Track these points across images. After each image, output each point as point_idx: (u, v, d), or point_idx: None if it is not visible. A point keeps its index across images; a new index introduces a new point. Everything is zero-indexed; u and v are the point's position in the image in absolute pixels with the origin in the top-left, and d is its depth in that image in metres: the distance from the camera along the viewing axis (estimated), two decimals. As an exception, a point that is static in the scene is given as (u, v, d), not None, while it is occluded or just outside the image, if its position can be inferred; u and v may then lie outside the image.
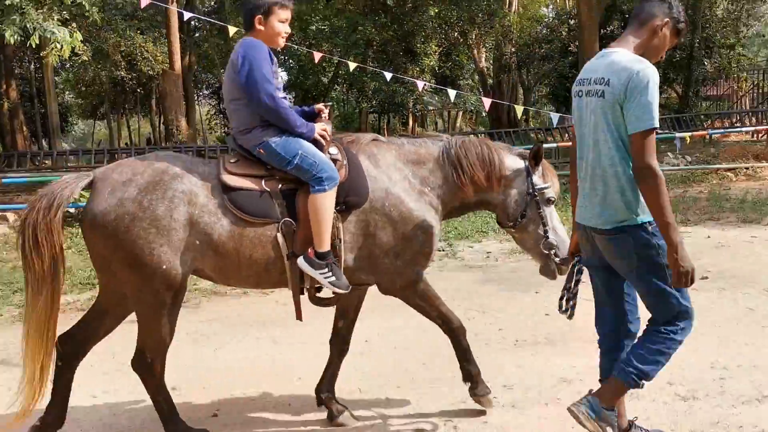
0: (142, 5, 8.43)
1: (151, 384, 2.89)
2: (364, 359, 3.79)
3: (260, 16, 2.88)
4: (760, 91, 23.70)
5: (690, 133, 11.39)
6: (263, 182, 2.87)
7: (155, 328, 2.82)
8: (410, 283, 3.02)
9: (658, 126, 2.34)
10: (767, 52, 41.97)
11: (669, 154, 11.71)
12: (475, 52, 22.88)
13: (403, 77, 15.30)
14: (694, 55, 18.58)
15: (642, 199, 2.36)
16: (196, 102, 27.37)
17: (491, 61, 23.81)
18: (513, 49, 21.98)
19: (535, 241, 3.13)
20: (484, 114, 25.60)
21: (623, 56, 2.41)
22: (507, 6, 22.71)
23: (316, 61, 10.10)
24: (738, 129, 16.57)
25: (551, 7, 27.67)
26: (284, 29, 2.94)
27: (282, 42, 3.00)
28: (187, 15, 12.91)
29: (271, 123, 2.85)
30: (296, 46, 16.59)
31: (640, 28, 2.49)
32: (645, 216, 2.39)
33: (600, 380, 2.64)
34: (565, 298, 2.74)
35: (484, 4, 17.89)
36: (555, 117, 10.74)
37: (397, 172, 3.04)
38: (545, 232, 3.10)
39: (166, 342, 2.84)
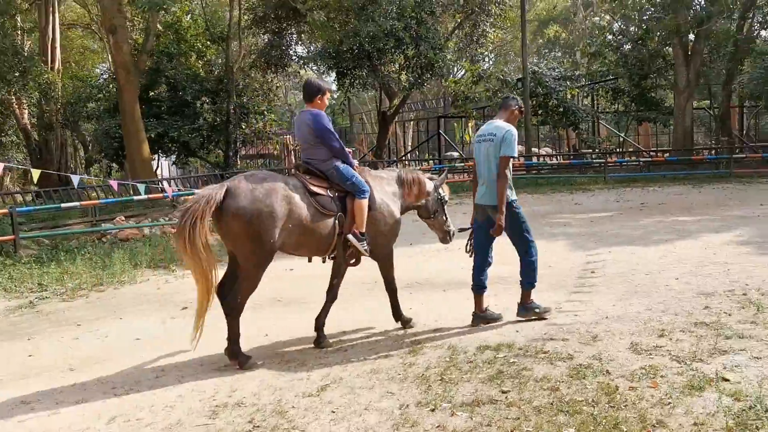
0: None
1: (235, 317, 5.07)
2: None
3: (320, 95, 5.42)
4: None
5: None
6: (328, 191, 5.33)
7: (254, 280, 5.06)
8: (388, 254, 5.84)
9: (515, 156, 5.82)
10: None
11: None
12: (17, 109, 22.75)
13: None
14: (230, 120, 22.09)
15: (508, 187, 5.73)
16: None
17: (36, 119, 23.87)
18: (58, 107, 22.60)
19: (440, 225, 6.27)
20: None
21: (500, 123, 5.80)
22: (50, 63, 23.29)
23: None
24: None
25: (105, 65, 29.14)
26: (325, 102, 5.50)
27: (324, 107, 5.53)
28: None
29: (338, 156, 5.39)
30: None
31: (506, 111, 5.92)
32: (512, 197, 5.75)
33: (472, 287, 6.01)
34: (468, 248, 6.09)
35: (15, 61, 18.33)
36: (114, 184, 12.13)
37: (385, 189, 5.80)
38: (446, 220, 6.28)
39: (253, 290, 5.11)
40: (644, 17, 23.50)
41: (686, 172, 20.12)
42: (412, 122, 39.19)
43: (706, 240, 9.48)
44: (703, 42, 22.81)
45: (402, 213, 6.02)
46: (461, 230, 6.31)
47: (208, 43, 24.45)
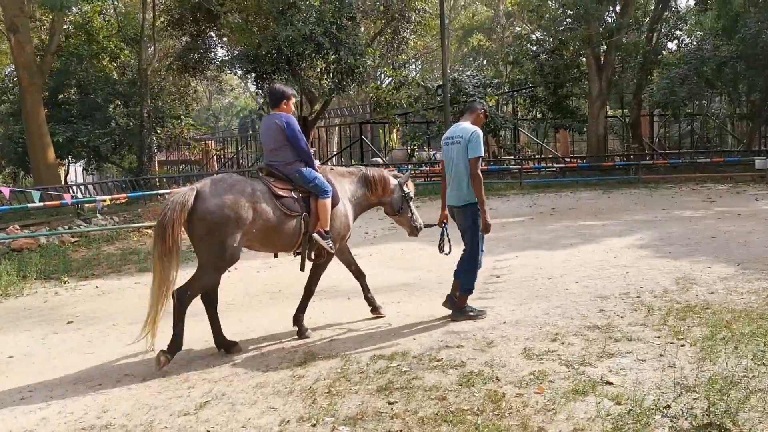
0: None
1: (180, 311, 5.06)
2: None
3: (285, 100, 5.64)
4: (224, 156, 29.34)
5: (110, 197, 12.94)
6: (293, 192, 5.52)
7: (209, 279, 5.21)
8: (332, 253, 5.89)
9: (483, 155, 5.94)
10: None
11: (99, 215, 13.31)
12: None
13: None
14: (144, 124, 21.32)
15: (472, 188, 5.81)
16: None
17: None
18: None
19: (407, 220, 6.50)
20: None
21: (466, 125, 5.97)
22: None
23: None
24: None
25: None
26: (292, 107, 5.74)
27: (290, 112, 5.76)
28: None
29: (302, 160, 5.57)
30: None
31: (471, 114, 6.13)
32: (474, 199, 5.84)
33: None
34: (441, 246, 6.30)
35: None
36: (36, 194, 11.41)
37: (345, 187, 6.07)
38: (412, 215, 6.48)
39: (207, 288, 5.30)
40: (560, 28, 24.18)
41: (598, 177, 20.80)
42: (337, 128, 39.02)
43: (609, 244, 9.72)
44: (613, 53, 23.70)
45: (365, 210, 6.46)
46: (427, 226, 6.66)
47: (122, 44, 23.55)
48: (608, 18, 23.90)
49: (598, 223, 12.17)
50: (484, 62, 49.75)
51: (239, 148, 36.26)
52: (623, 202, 15.86)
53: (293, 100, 5.75)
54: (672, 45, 26.69)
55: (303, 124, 24.14)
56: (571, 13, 23.71)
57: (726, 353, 4.76)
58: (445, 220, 6.43)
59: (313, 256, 5.87)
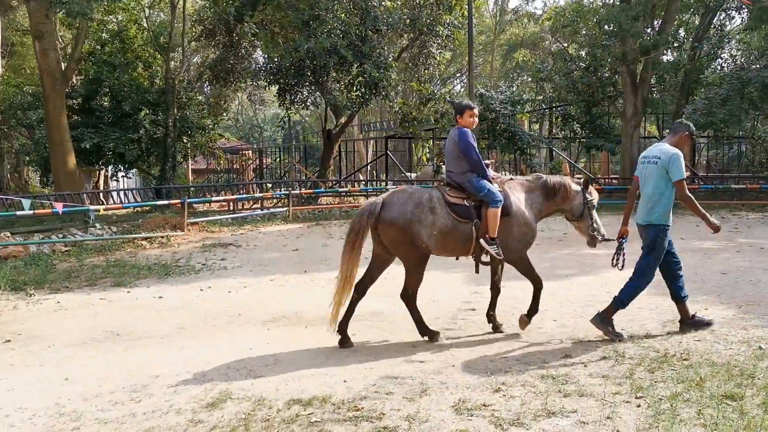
0: None
1: (412, 304, 6.12)
2: None
3: (460, 113, 6.15)
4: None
5: (102, 207, 12.84)
6: (465, 201, 6.00)
7: (416, 276, 6.01)
8: (522, 257, 6.29)
9: (685, 178, 5.90)
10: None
11: (96, 225, 13.23)
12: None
13: None
14: (169, 132, 21.36)
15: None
16: None
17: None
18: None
19: (587, 228, 6.52)
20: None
21: (665, 146, 5.97)
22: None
23: None
24: (207, 200, 19.80)
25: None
26: (472, 120, 6.15)
27: (472, 126, 6.19)
28: None
29: (474, 170, 6.01)
30: None
31: (674, 135, 6.09)
32: (668, 222, 6.02)
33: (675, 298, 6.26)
34: (616, 261, 6.28)
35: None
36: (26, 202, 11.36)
37: (522, 197, 6.29)
38: (592, 224, 6.47)
39: (419, 283, 6.06)
40: (594, 44, 23.29)
41: (624, 201, 19.80)
42: (372, 141, 38.72)
43: (607, 276, 9.01)
44: (650, 71, 22.69)
45: (543, 217, 6.59)
46: (604, 240, 6.61)
47: (156, 53, 23.74)
48: (646, 35, 22.89)
49: (604, 252, 11.33)
50: (528, 79, 48.91)
51: (279, 158, 36.10)
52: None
53: (471, 112, 6.15)
54: (716, 64, 25.46)
55: (327, 136, 23.93)
56: (608, 28, 22.79)
57: (684, 420, 4.12)
58: (624, 235, 6.32)
59: (485, 260, 6.26)
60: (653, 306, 7.29)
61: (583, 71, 24.00)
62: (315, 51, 19.33)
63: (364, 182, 26.73)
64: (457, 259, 6.46)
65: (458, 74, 47.59)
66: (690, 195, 5.90)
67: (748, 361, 5.26)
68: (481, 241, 5.98)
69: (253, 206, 21.78)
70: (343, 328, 6.03)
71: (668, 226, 6.04)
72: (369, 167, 32.99)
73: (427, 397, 4.67)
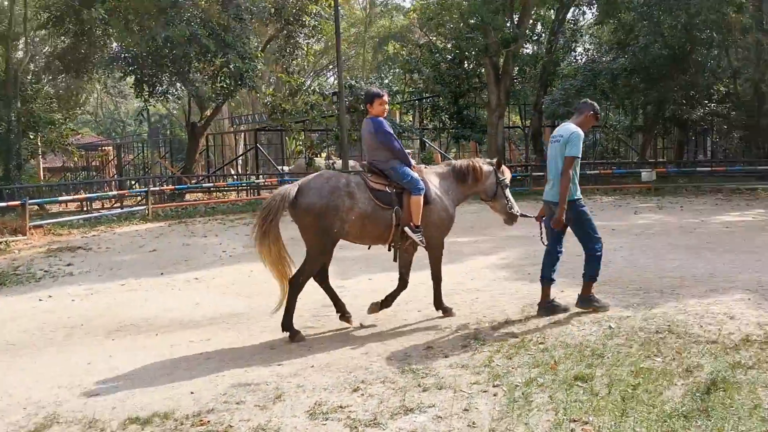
0: None
1: (293, 293, 5.86)
2: None
3: (370, 102, 6.13)
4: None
5: None
6: (387, 187, 5.94)
7: (316, 264, 5.92)
8: (439, 245, 6.35)
9: (579, 156, 6.04)
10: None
11: None
12: None
13: None
14: (12, 129, 19.52)
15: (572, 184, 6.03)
16: None
17: None
18: None
19: (502, 207, 6.63)
20: None
21: (569, 125, 6.16)
22: None
23: None
24: (52, 200, 18.26)
25: None
26: (383, 108, 6.10)
27: (384, 113, 6.15)
28: None
29: (397, 158, 6.00)
30: None
31: (579, 115, 6.24)
32: (576, 195, 6.08)
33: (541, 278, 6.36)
34: (542, 238, 6.48)
35: None
36: None
37: (439, 184, 6.27)
38: (508, 203, 6.58)
39: (314, 272, 5.98)
40: (458, 37, 23.85)
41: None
42: (244, 134, 37.61)
43: (472, 264, 9.14)
44: (511, 63, 23.58)
45: (461, 201, 6.65)
46: (523, 216, 6.77)
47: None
48: (507, 28, 23.74)
49: (470, 239, 11.60)
50: (399, 71, 49.52)
51: (142, 154, 34.10)
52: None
53: (380, 100, 6.08)
54: (571, 57, 26.92)
55: (191, 129, 22.90)
56: (471, 21, 23.40)
57: (538, 406, 4.11)
58: (544, 214, 6.48)
59: (403, 248, 6.29)
60: (513, 291, 7.41)
61: (449, 63, 24.54)
62: (173, 40, 18.35)
63: (234, 177, 25.85)
64: (369, 248, 6.47)
65: (332, 66, 47.37)
66: (569, 175, 6.01)
67: (599, 341, 5.41)
68: (406, 228, 6.00)
69: (114, 205, 20.42)
70: (342, 309, 6.31)
71: (580, 198, 6.20)
72: (242, 161, 32.02)
73: (281, 403, 4.38)
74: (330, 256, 6.11)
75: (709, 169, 22.56)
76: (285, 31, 22.08)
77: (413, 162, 6.24)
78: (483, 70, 24.38)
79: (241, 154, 29.10)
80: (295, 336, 5.85)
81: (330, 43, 41.65)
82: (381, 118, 6.12)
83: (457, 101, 25.18)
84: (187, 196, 21.82)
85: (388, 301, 6.45)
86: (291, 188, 5.82)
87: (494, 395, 4.37)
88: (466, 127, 24.94)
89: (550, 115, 23.71)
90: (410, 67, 25.58)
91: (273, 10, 20.94)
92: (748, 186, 20.05)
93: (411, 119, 29.42)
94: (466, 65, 24.47)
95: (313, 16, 22.04)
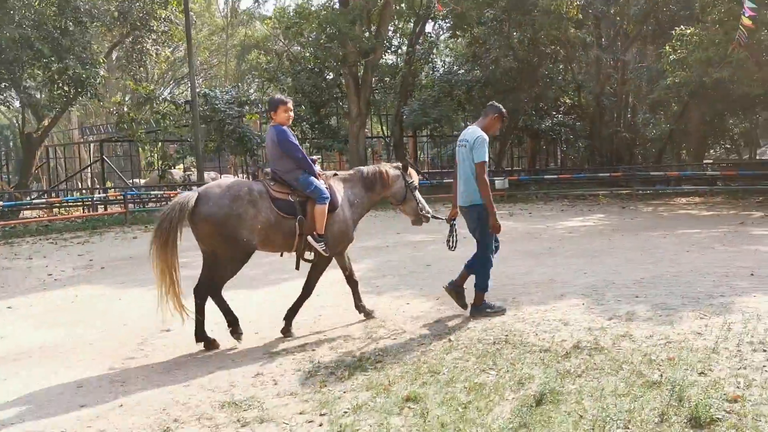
0: None
1: (219, 299, 5.85)
2: None
3: (273, 110, 6.03)
4: None
5: None
6: (290, 196, 5.94)
7: (228, 273, 5.80)
8: (329, 257, 6.28)
9: (485, 159, 6.05)
10: None
11: None
12: None
13: None
14: None
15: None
16: None
17: None
18: None
19: (412, 209, 6.66)
20: None
21: (474, 128, 6.22)
22: None
23: None
24: None
25: None
26: (287, 115, 6.04)
27: (288, 121, 6.09)
28: None
29: (301, 167, 5.97)
30: None
31: (485, 118, 6.26)
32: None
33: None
34: (449, 243, 6.59)
35: None
36: None
37: (345, 193, 6.35)
38: (417, 204, 6.62)
39: (228, 279, 5.84)
40: (317, 46, 23.61)
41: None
42: (93, 146, 35.08)
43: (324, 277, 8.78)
44: (371, 73, 23.66)
45: (371, 207, 6.73)
46: (435, 218, 6.71)
47: None
48: (366, 39, 23.82)
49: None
50: (262, 81, 48.42)
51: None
52: (362, 225, 15.31)
53: (283, 107, 5.96)
54: (428, 69, 27.51)
55: (27, 141, 20.96)
56: (329, 31, 23.23)
57: (364, 433, 3.82)
58: (454, 217, 6.54)
59: (309, 257, 6.19)
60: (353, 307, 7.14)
61: (309, 73, 24.23)
62: (2, 42, 16.66)
63: (79, 191, 23.95)
64: (281, 255, 6.34)
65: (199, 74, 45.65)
66: (485, 180, 6.05)
67: (437, 356, 5.25)
68: (309, 237, 5.95)
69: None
70: (202, 337, 5.89)
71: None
72: (91, 175, 29.79)
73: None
74: (238, 267, 5.85)
75: (557, 176, 23.77)
76: (131, 37, 20.76)
77: (318, 169, 6.19)
78: (343, 80, 24.30)
79: (84, 168, 27.03)
80: (210, 344, 5.85)
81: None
82: (284, 127, 6.01)
83: (318, 111, 24.92)
84: (27, 213, 19.92)
85: (359, 305, 6.59)
86: (190, 197, 5.60)
87: (320, 425, 4.04)
88: (328, 137, 24.73)
89: (410, 125, 24.05)
90: (269, 76, 24.98)
91: (117, 14, 19.62)
92: (590, 192, 21.36)
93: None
94: (325, 75, 24.25)
95: (162, 21, 20.90)
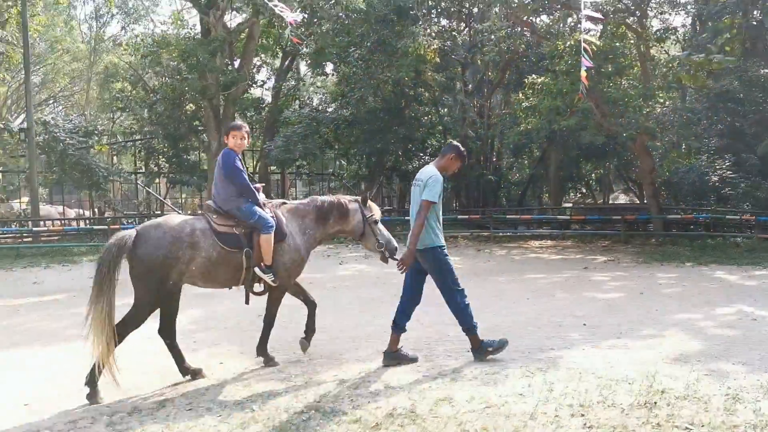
0: None
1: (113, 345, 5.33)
2: None
3: (227, 134, 5.96)
4: None
5: None
6: (234, 228, 5.73)
7: (144, 316, 5.54)
8: (282, 288, 6.11)
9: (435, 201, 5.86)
10: None
11: None
12: None
13: None
14: None
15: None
16: None
17: None
18: None
19: (372, 245, 6.34)
20: None
21: (430, 168, 6.07)
22: None
23: None
24: None
25: None
26: (238, 142, 5.91)
27: (240, 148, 5.98)
28: None
29: (243, 195, 5.77)
30: None
31: (442, 157, 6.16)
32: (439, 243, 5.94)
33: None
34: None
35: None
36: None
37: (294, 223, 6.10)
38: (377, 240, 6.28)
39: (143, 322, 5.58)
40: (174, 76, 22.47)
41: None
42: None
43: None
44: (232, 107, 22.81)
45: (324, 240, 6.47)
46: (393, 259, 6.21)
47: None
48: (228, 71, 22.97)
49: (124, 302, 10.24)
50: (127, 111, 45.83)
51: None
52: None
53: (235, 132, 5.87)
54: (295, 105, 27.04)
55: None
56: (189, 61, 22.16)
57: None
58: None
59: (258, 290, 6.02)
60: (159, 367, 6.29)
61: (166, 103, 22.99)
62: None
63: None
64: (230, 289, 6.02)
65: (51, 101, 42.52)
66: (422, 220, 5.79)
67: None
68: (256, 269, 5.77)
69: None
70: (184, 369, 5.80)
71: (443, 246, 5.98)
72: None
73: None
74: (175, 307, 5.69)
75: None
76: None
77: (262, 197, 5.97)
78: (203, 113, 23.24)
79: None
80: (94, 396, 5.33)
81: (50, 76, 37.58)
82: (232, 152, 5.86)
83: (177, 144, 23.64)
84: None
85: (309, 330, 6.37)
86: (128, 236, 5.41)
87: None
88: (185, 172, 23.46)
89: (274, 161, 23.32)
90: (121, 105, 23.46)
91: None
92: (452, 234, 21.55)
93: (134, 162, 26.97)
94: (184, 106, 23.10)
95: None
